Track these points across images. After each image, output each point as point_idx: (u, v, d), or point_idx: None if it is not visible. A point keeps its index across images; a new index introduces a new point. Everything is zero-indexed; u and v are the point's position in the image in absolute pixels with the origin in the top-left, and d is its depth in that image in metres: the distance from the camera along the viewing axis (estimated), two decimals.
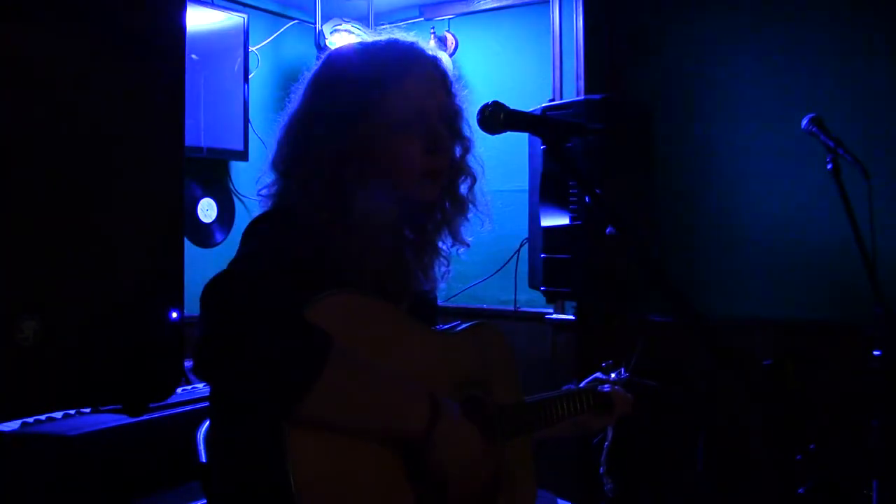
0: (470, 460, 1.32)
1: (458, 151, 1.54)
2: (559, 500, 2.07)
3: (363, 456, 1.24)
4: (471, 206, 1.57)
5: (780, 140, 3.19)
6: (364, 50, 1.47)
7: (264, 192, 1.45)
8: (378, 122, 1.40)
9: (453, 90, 1.52)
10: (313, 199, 1.36)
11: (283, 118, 1.48)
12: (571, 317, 3.50)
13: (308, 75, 1.49)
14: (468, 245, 1.58)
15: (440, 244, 1.55)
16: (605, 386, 1.81)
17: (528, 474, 1.58)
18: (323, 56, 1.50)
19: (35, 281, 1.29)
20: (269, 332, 1.11)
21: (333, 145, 1.39)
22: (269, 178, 1.46)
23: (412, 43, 1.49)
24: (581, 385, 1.83)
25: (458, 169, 1.55)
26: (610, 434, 1.86)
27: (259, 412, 1.17)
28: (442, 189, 1.51)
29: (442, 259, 1.57)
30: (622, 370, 1.87)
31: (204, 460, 1.56)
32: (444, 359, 1.45)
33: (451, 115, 1.51)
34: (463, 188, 1.56)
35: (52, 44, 1.32)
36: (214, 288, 1.14)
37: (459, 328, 1.54)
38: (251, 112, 3.72)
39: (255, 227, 1.34)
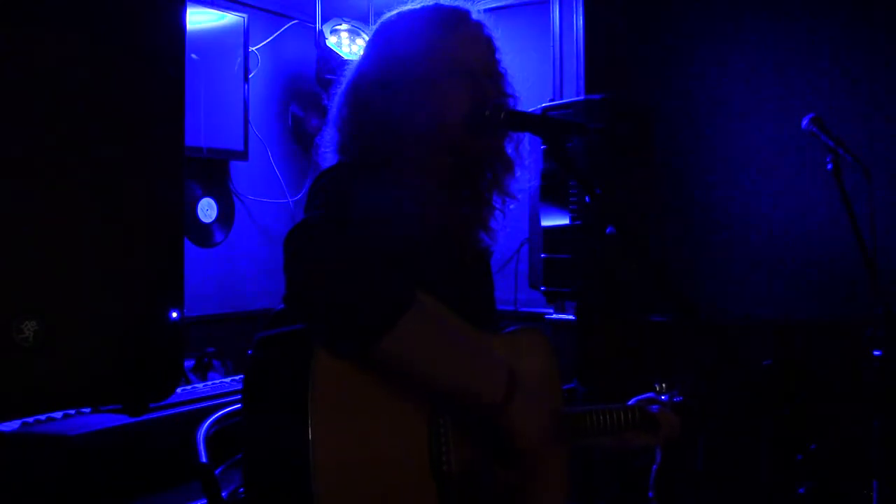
0: (540, 433, 1.38)
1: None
2: None
3: (385, 448, 1.27)
4: (517, 164, 1.63)
5: (780, 140, 3.19)
6: (413, 13, 1.56)
7: (329, 148, 1.57)
8: (431, 76, 1.48)
9: (497, 52, 1.58)
10: (376, 154, 1.47)
11: (344, 83, 1.58)
12: (571, 317, 3.50)
13: (367, 42, 1.60)
14: (517, 199, 1.65)
15: (494, 200, 1.63)
16: (655, 406, 1.75)
17: (560, 483, 1.57)
18: (377, 23, 1.60)
19: (35, 281, 1.29)
20: (362, 271, 1.20)
21: (392, 102, 1.47)
22: (331, 135, 1.57)
23: (457, 6, 1.57)
24: (630, 402, 1.79)
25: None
26: (659, 457, 1.83)
27: (345, 342, 1.24)
28: (491, 146, 1.57)
29: (497, 213, 1.64)
30: (675, 393, 1.82)
31: (204, 460, 1.56)
32: None
33: (496, 73, 1.58)
34: (509, 147, 1.61)
35: (51, 44, 1.32)
36: (311, 231, 1.24)
37: (506, 330, 1.56)
38: (251, 112, 3.72)
39: (333, 179, 1.43)
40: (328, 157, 1.58)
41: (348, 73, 1.59)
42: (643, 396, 1.79)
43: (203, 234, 3.65)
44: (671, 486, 1.90)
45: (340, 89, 1.58)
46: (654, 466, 1.83)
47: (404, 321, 1.22)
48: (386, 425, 1.29)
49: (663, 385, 1.82)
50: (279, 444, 1.26)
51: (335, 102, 1.58)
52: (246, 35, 3.65)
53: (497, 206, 1.63)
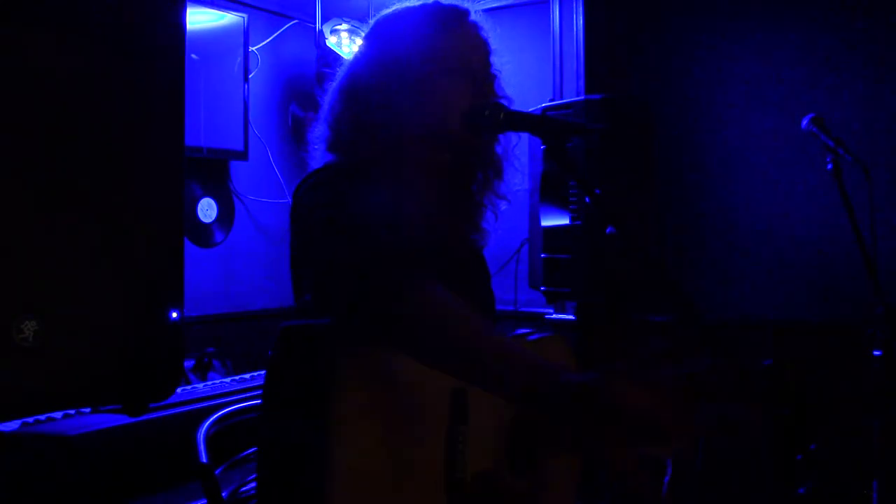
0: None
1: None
2: None
3: (402, 454, 1.26)
4: (508, 165, 1.64)
5: (780, 140, 3.19)
6: (411, 11, 1.55)
7: (319, 144, 1.55)
8: (429, 74, 1.47)
9: (491, 54, 1.58)
10: (372, 151, 1.46)
11: (338, 80, 1.56)
12: (571, 317, 3.50)
13: (363, 39, 1.60)
14: (509, 200, 1.66)
15: (485, 200, 1.64)
16: None
17: (568, 490, 1.57)
18: (374, 18, 1.59)
19: (35, 281, 1.29)
20: (375, 258, 1.20)
21: (389, 100, 1.47)
22: (321, 131, 1.56)
23: (456, 5, 1.57)
24: None
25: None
26: (669, 469, 1.83)
27: (366, 305, 1.19)
28: (485, 146, 1.58)
29: (489, 213, 1.64)
30: None
31: (204, 460, 1.56)
32: None
33: (491, 74, 1.58)
34: (500, 148, 1.62)
35: (51, 44, 1.32)
36: (316, 238, 1.28)
37: (530, 337, 1.54)
38: (251, 112, 3.72)
39: (330, 181, 1.44)
40: (318, 153, 1.56)
41: (343, 69, 1.57)
42: None
43: (203, 234, 3.65)
44: (671, 489, 1.90)
45: (334, 85, 1.56)
46: (666, 479, 1.83)
47: (430, 284, 1.16)
48: (405, 432, 1.27)
49: None
50: (297, 440, 1.26)
51: (328, 98, 1.56)
52: (246, 35, 3.65)
53: (488, 206, 1.64)
